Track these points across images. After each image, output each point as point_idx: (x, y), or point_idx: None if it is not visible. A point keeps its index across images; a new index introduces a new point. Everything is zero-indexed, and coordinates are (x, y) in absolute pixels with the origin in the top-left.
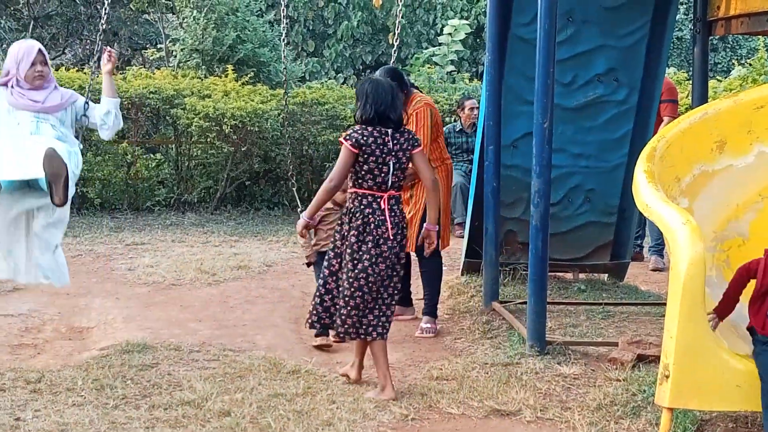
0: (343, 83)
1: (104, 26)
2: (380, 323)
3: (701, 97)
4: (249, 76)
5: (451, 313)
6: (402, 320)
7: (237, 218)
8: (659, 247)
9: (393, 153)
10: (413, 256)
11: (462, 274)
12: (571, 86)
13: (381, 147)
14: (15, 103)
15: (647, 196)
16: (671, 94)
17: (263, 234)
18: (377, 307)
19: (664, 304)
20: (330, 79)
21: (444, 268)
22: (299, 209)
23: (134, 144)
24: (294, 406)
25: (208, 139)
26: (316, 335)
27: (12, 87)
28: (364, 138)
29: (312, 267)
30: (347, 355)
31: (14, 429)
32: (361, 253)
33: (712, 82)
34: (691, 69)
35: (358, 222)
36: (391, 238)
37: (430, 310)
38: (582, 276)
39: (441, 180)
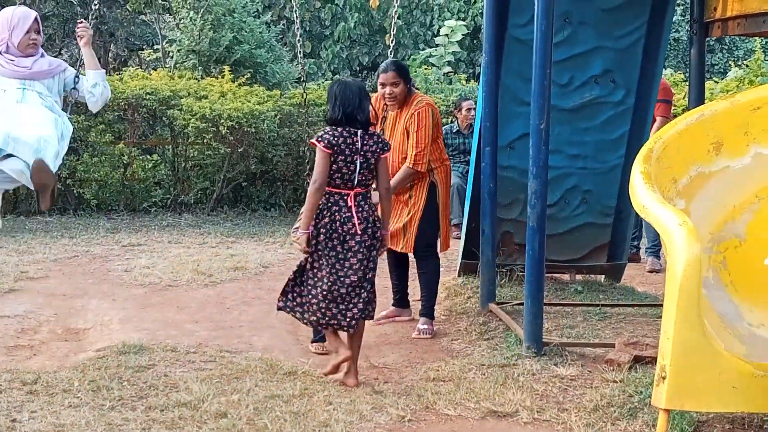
0: None
1: (95, 14)
2: (355, 316)
3: (698, 98)
4: (246, 77)
5: (447, 315)
6: (399, 321)
7: (234, 219)
8: (656, 249)
9: (361, 153)
10: (411, 257)
11: (459, 276)
12: (568, 87)
13: (350, 147)
14: (2, 71)
15: (644, 197)
16: (665, 94)
17: (260, 235)
18: (356, 298)
19: (661, 305)
20: (327, 80)
21: (441, 269)
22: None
23: (131, 145)
24: (291, 407)
25: (205, 140)
26: (313, 342)
27: (1, 54)
28: (335, 138)
29: None
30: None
31: (10, 430)
32: (328, 249)
33: (708, 84)
34: (687, 70)
35: (326, 220)
36: (359, 232)
37: (427, 312)
38: (579, 277)
39: (440, 181)
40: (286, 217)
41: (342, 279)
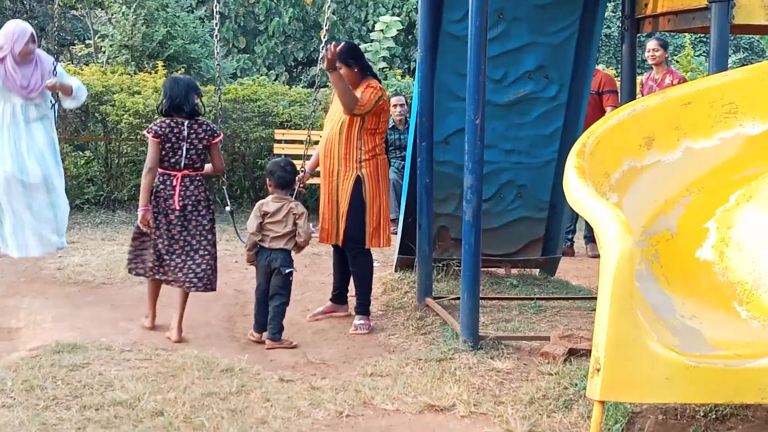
0: (275, 80)
1: (55, 31)
2: (188, 279)
3: (629, 93)
4: (179, 72)
5: (384, 310)
6: (336, 317)
7: None
8: (593, 235)
9: (188, 140)
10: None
11: (395, 270)
12: (502, 83)
13: (177, 135)
14: (7, 85)
15: (577, 191)
16: (612, 85)
17: None
18: (181, 264)
19: (595, 298)
20: (261, 75)
21: (377, 264)
22: (228, 208)
23: (62, 141)
24: (228, 404)
25: (139, 137)
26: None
27: (5, 63)
28: (162, 129)
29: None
30: (281, 353)
31: None
32: (157, 220)
33: (639, 79)
34: (619, 66)
35: (157, 195)
36: (178, 209)
37: (363, 309)
38: (514, 271)
39: (369, 175)
40: (221, 214)
41: (167, 246)
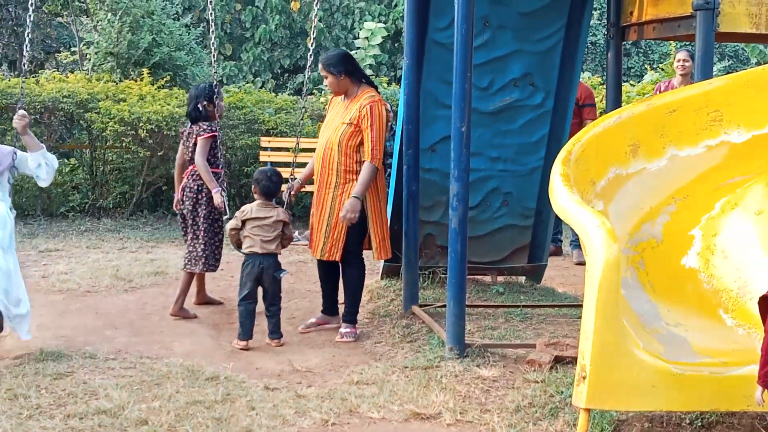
0: (261, 87)
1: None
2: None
3: (615, 101)
4: (165, 79)
5: (371, 317)
6: (327, 329)
7: (154, 224)
8: (579, 241)
9: (186, 143)
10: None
11: (381, 278)
12: (488, 90)
13: (185, 138)
14: None
15: (563, 199)
16: (592, 98)
17: (180, 239)
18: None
19: (581, 305)
20: (248, 83)
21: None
22: (226, 217)
23: (48, 149)
24: (213, 413)
25: (124, 144)
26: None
27: None
28: (180, 133)
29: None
30: (267, 361)
31: None
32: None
33: (625, 87)
34: (605, 73)
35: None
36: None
37: (350, 318)
38: (500, 279)
39: (372, 186)
40: None
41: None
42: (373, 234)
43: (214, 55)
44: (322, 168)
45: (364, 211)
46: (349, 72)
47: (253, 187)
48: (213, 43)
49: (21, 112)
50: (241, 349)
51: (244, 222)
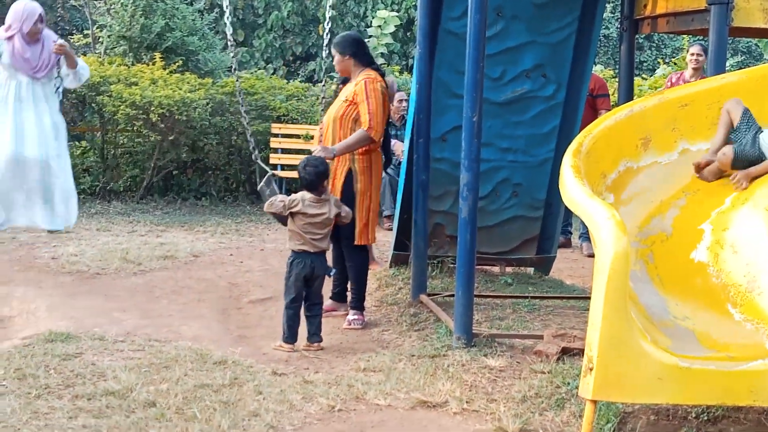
0: (272, 74)
1: None
2: None
3: (627, 94)
4: (177, 64)
5: (378, 305)
6: (336, 315)
7: (164, 208)
8: (589, 233)
9: None
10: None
11: (390, 266)
12: (500, 81)
13: None
14: (14, 63)
15: (573, 191)
16: (606, 89)
17: (190, 224)
18: None
19: (589, 297)
20: (260, 69)
21: (374, 257)
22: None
23: None
24: (220, 396)
25: (135, 128)
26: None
27: (14, 40)
28: None
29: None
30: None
31: None
32: None
33: (637, 80)
34: (617, 67)
35: None
36: None
37: (357, 304)
38: (509, 269)
39: (360, 170)
40: (216, 206)
41: None
42: (358, 217)
43: (230, 40)
44: (322, 144)
45: (353, 191)
46: (355, 54)
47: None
48: (229, 28)
49: (60, 41)
50: (288, 351)
51: (292, 214)
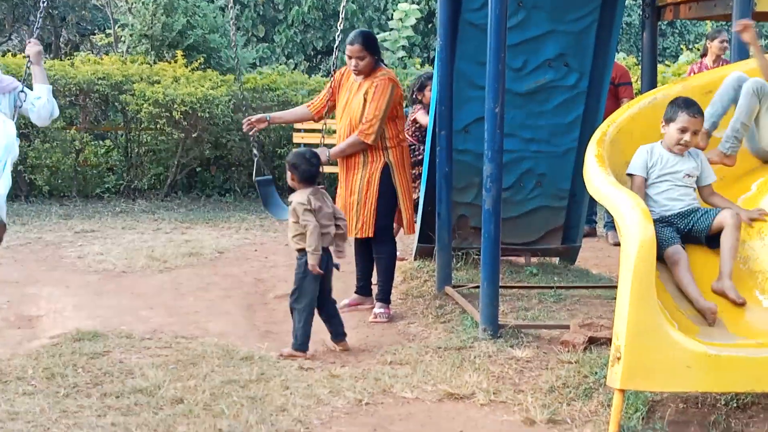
0: (294, 69)
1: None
2: None
3: (650, 82)
4: (199, 61)
5: (404, 298)
6: (361, 309)
7: (188, 205)
8: (614, 222)
9: None
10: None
11: (415, 259)
12: (522, 71)
13: None
14: None
15: (598, 180)
16: (628, 77)
17: (215, 221)
18: None
19: (615, 287)
20: (281, 64)
21: (397, 253)
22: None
23: (82, 130)
24: (247, 392)
25: (158, 126)
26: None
27: None
28: None
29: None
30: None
31: None
32: None
33: (660, 67)
34: (640, 54)
35: None
36: None
37: (384, 297)
38: (534, 260)
39: (396, 162)
40: (240, 203)
41: None
42: (403, 207)
43: (233, 34)
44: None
45: (393, 186)
46: (378, 55)
47: (289, 173)
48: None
49: (34, 39)
50: (306, 359)
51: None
